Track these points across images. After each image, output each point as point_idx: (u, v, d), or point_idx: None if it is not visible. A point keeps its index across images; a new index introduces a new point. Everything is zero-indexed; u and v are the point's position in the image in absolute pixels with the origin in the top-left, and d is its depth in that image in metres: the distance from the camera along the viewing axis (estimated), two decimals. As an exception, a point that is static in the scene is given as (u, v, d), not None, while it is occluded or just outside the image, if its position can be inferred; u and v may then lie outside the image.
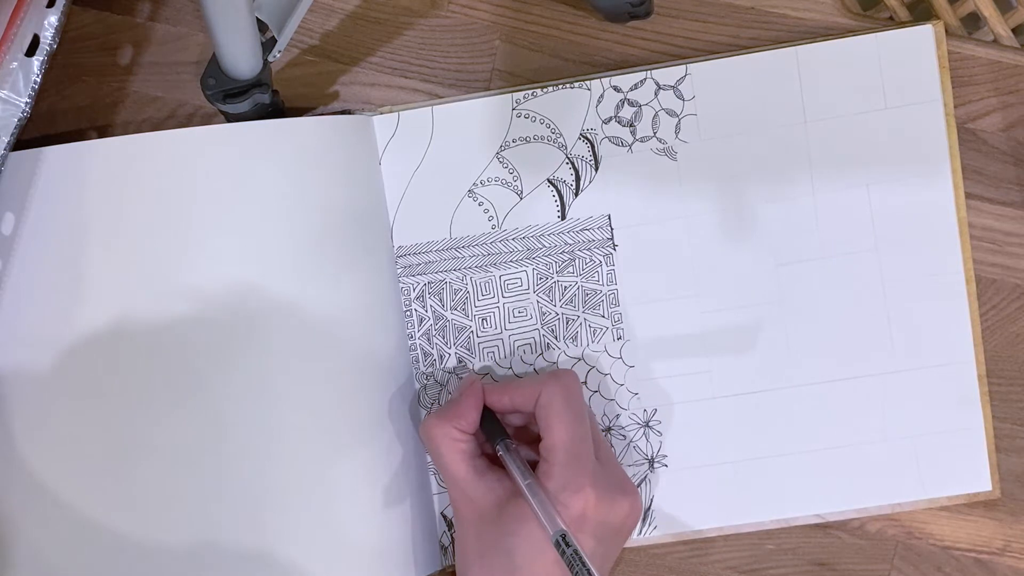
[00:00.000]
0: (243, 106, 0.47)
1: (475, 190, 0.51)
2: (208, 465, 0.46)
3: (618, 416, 0.51)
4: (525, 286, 0.51)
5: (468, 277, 0.51)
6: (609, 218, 0.51)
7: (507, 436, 0.46)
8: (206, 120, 0.52)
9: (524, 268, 0.51)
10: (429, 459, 0.51)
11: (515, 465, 0.45)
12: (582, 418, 0.45)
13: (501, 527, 0.44)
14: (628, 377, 0.50)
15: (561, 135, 0.51)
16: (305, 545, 0.46)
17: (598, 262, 0.51)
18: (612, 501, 0.44)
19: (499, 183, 0.51)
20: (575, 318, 0.51)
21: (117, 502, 0.46)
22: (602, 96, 0.51)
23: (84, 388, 0.47)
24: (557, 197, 0.51)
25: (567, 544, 0.42)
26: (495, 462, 0.47)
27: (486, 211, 0.51)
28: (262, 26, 0.46)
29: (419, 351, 0.51)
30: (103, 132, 0.52)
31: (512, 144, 0.51)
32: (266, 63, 0.46)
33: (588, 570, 0.41)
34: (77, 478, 0.47)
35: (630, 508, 0.45)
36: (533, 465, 0.46)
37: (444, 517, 0.51)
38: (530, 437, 0.49)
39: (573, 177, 0.51)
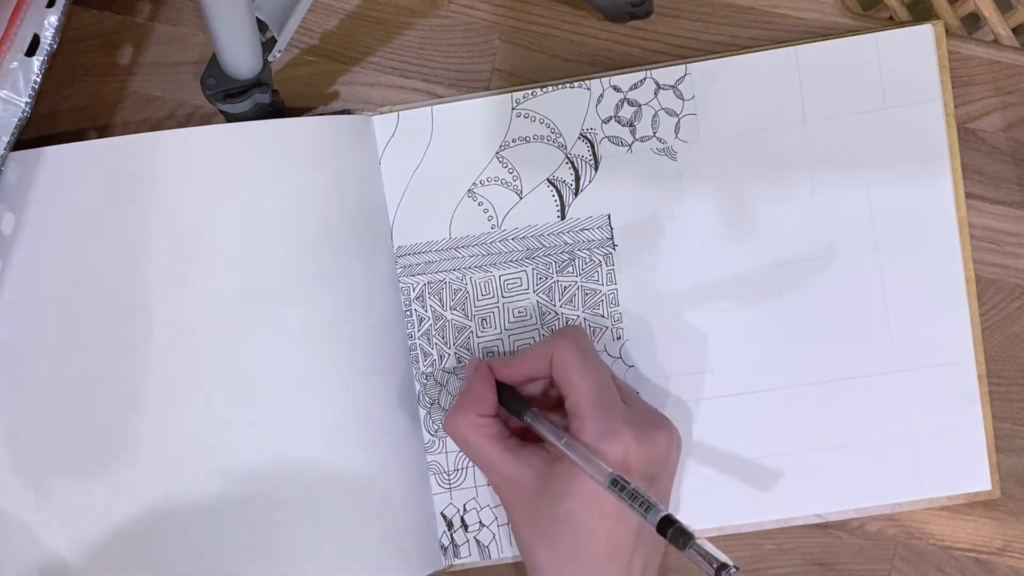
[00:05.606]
0: (243, 106, 0.47)
1: (475, 190, 0.51)
2: (205, 460, 0.46)
3: (618, 416, 0.51)
4: (525, 286, 0.51)
5: (468, 277, 0.51)
6: (609, 218, 0.50)
7: (530, 406, 0.45)
8: (206, 120, 0.52)
9: (524, 268, 0.51)
10: (430, 458, 0.51)
11: (547, 429, 0.44)
12: (600, 366, 0.45)
13: (552, 496, 0.43)
14: (628, 377, 0.50)
15: (561, 135, 0.51)
16: (303, 545, 0.46)
17: (598, 262, 0.51)
18: (651, 438, 0.44)
19: (499, 183, 0.51)
20: (575, 318, 0.51)
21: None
22: (602, 96, 0.51)
23: (83, 388, 0.47)
24: (557, 197, 0.51)
25: (622, 485, 0.41)
26: (525, 438, 0.46)
27: (486, 211, 0.51)
28: (262, 26, 0.46)
29: (419, 351, 0.51)
30: (103, 132, 0.52)
31: (512, 144, 0.51)
32: (266, 63, 0.46)
33: (649, 502, 0.40)
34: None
35: (669, 439, 0.45)
36: (564, 430, 0.45)
37: (444, 517, 0.51)
38: (552, 403, 0.47)
39: (573, 177, 0.51)
